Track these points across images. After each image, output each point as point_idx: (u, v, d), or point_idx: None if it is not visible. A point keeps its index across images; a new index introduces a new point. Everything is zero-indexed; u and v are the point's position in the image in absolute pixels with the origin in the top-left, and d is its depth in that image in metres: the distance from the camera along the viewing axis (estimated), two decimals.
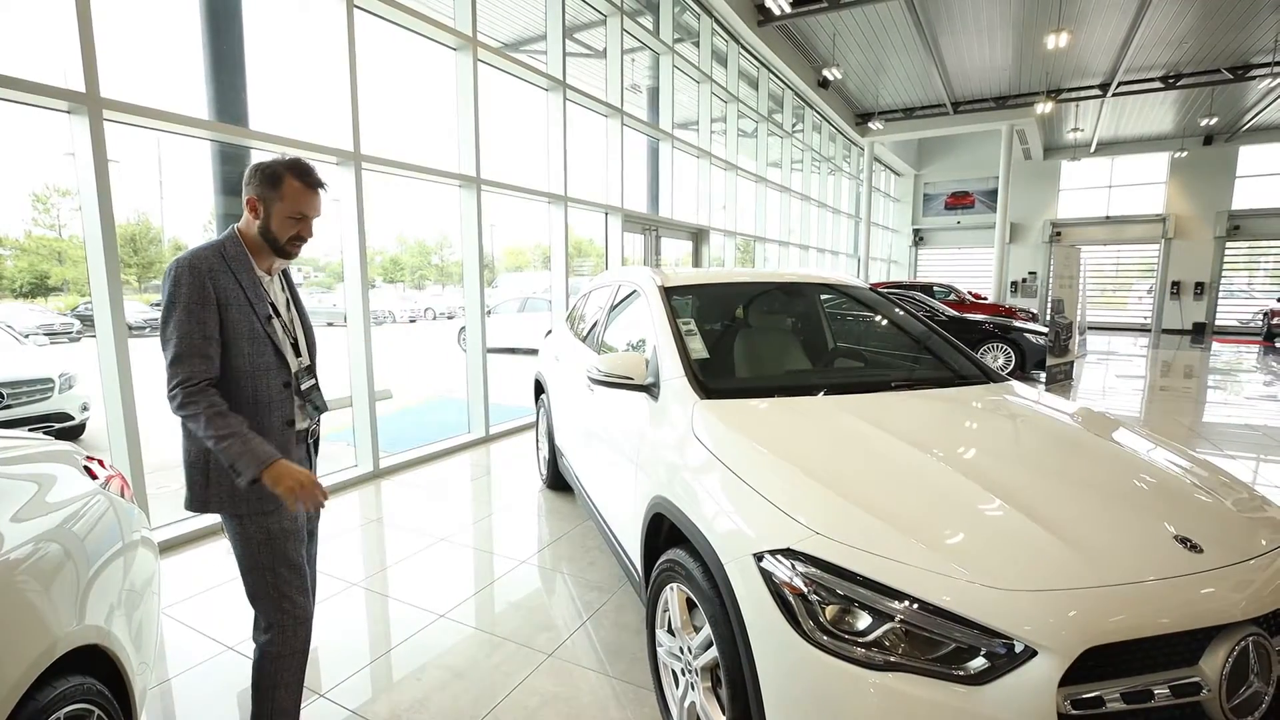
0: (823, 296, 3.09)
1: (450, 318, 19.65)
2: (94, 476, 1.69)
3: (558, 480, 3.97)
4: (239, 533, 1.58)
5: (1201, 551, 1.27)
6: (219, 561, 3.10)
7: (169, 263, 1.50)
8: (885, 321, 2.83)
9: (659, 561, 1.84)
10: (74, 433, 5.87)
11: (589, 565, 3.05)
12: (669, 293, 2.55)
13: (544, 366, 4.19)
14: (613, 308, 3.17)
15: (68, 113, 2.90)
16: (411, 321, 24.11)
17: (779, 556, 1.32)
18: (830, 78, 11.43)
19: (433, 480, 4.38)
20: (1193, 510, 1.45)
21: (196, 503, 1.57)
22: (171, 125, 3.25)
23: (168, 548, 3.23)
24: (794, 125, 12.94)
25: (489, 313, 14.41)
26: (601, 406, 2.69)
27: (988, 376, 2.40)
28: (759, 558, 1.36)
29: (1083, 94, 13.58)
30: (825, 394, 2.06)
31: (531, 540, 3.39)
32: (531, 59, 6.15)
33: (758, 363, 2.49)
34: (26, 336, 7.59)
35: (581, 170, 6.90)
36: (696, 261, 9.70)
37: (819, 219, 14.79)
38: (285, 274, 1.74)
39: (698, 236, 9.54)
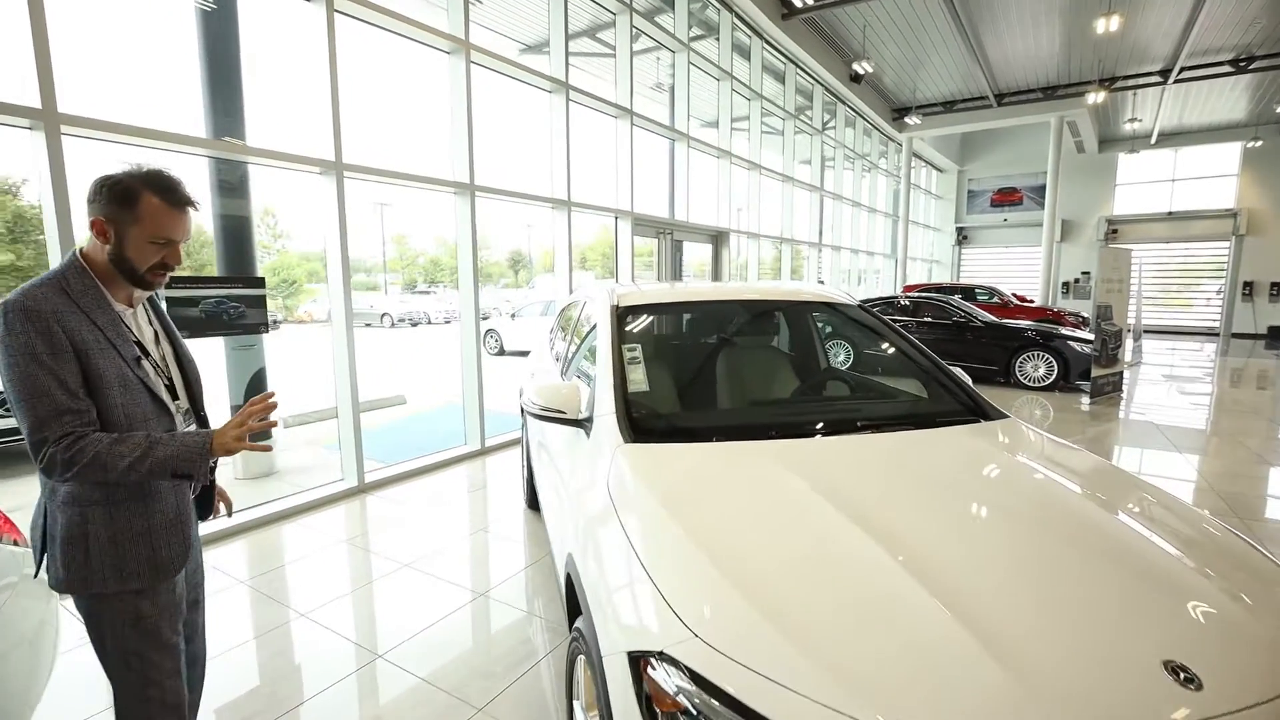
0: (806, 316, 2.81)
1: (485, 318, 19.77)
2: None
3: (536, 501, 3.79)
4: (102, 613, 1.33)
5: (1200, 688, 0.96)
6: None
7: None
8: (871, 345, 2.54)
9: (572, 627, 1.62)
10: None
11: (549, 601, 2.85)
12: (620, 313, 2.32)
13: (524, 381, 4.02)
14: (576, 327, 2.96)
15: (28, 129, 2.86)
16: (446, 322, 24.50)
17: (654, 660, 1.09)
18: (862, 71, 10.94)
19: (417, 497, 4.26)
20: (1198, 625, 1.10)
21: (76, 583, 1.29)
22: (132, 138, 3.20)
23: None
24: (825, 122, 12.48)
25: (514, 315, 14.54)
26: (551, 435, 2.48)
27: (981, 413, 2.09)
28: (633, 659, 1.12)
29: (1140, 82, 12.66)
30: (775, 436, 1.80)
31: (499, 569, 3.21)
32: (551, 62, 5.99)
33: (708, 397, 2.24)
34: None
35: (593, 174, 6.73)
36: (716, 266, 9.41)
37: (853, 218, 14.25)
38: (151, 301, 1.48)
39: (717, 239, 9.25)
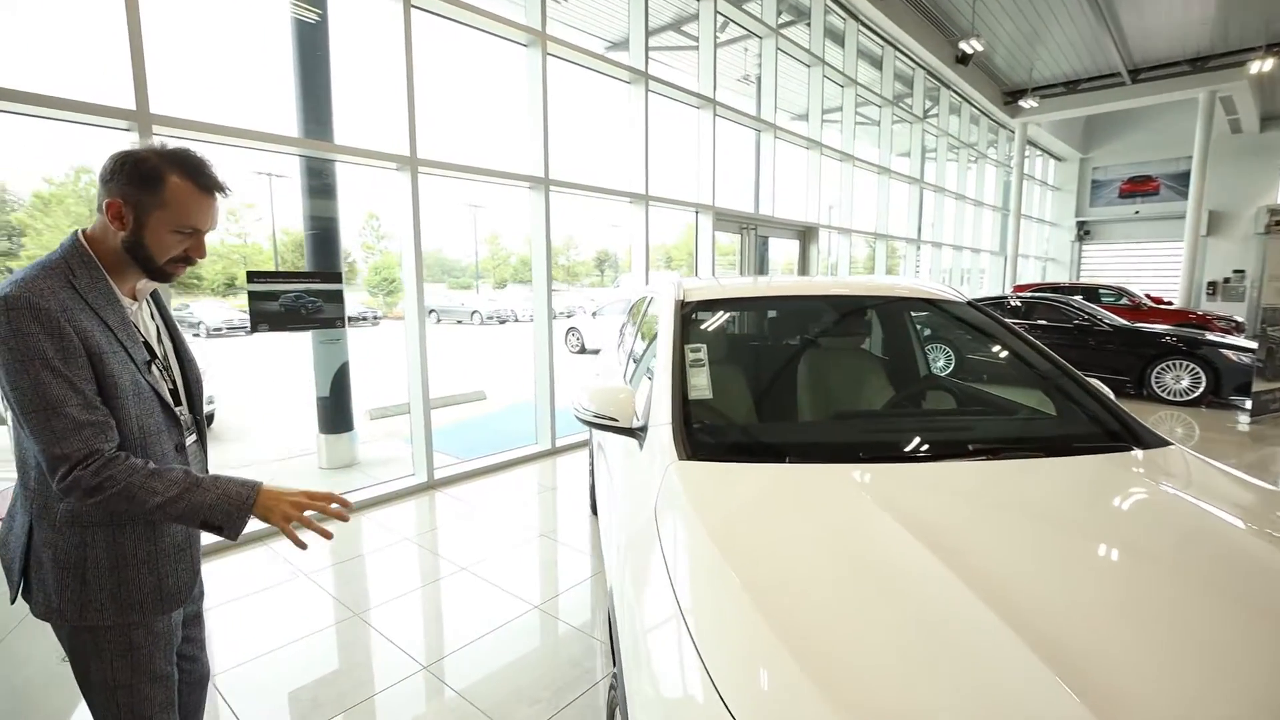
0: (904, 315, 2.43)
1: (569, 315, 20.15)
2: None
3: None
4: (88, 644, 1.18)
5: None
6: (249, 571, 3.08)
7: None
8: (982, 351, 2.14)
9: (612, 669, 1.40)
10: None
11: (605, 621, 2.64)
12: (686, 309, 2.07)
13: (582, 382, 3.85)
14: (642, 325, 2.73)
15: (127, 129, 2.99)
16: (532, 320, 25.16)
17: None
18: (970, 51, 10.02)
19: (483, 496, 4.20)
20: None
21: (70, 612, 1.14)
22: (218, 136, 3.29)
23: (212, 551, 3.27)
24: (927, 109, 11.58)
25: (595, 314, 14.58)
26: (610, 442, 2.27)
27: (1134, 438, 1.66)
28: None
29: None
30: (862, 459, 1.49)
31: (558, 580, 3.05)
32: (630, 51, 5.83)
33: (783, 407, 1.93)
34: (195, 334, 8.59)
35: (673, 168, 6.50)
36: (803, 263, 8.91)
37: (956, 213, 13.16)
38: (154, 294, 1.32)
39: (805, 235, 8.75)
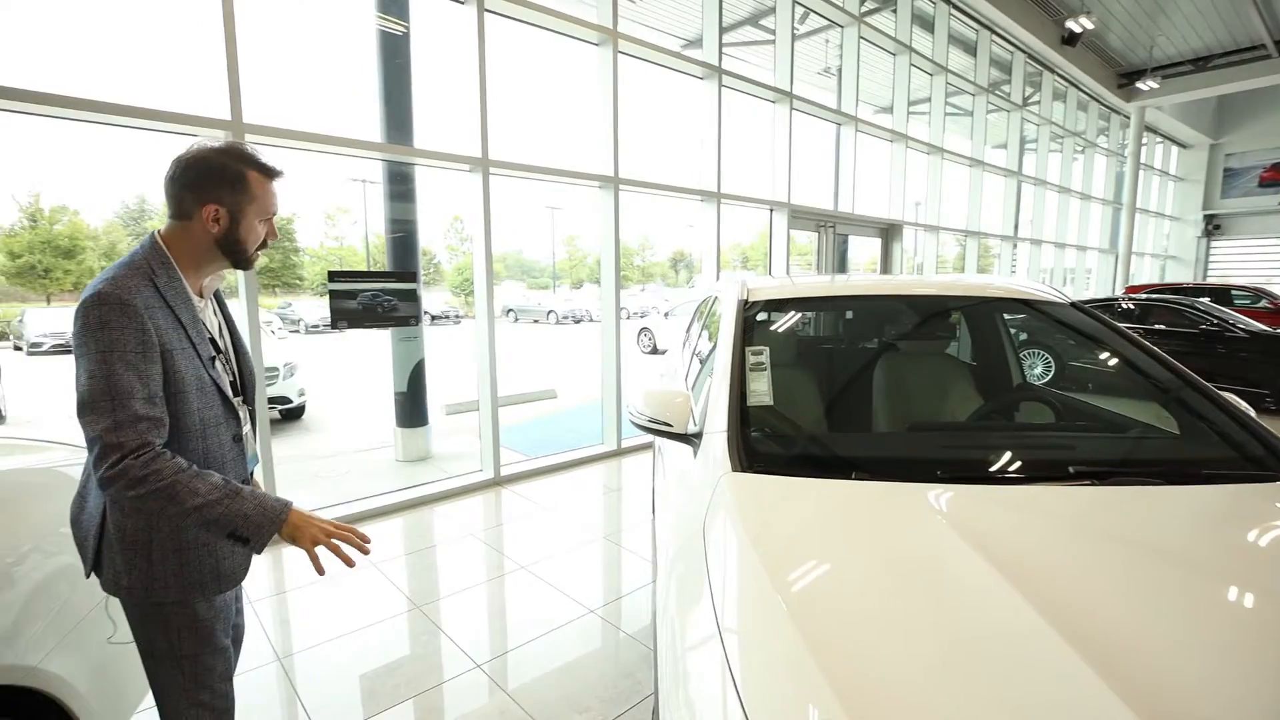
0: (994, 317, 2.19)
1: (642, 316, 20.24)
2: None
3: None
4: (157, 618, 1.25)
5: None
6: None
7: (84, 298, 1.11)
8: (1087, 358, 1.89)
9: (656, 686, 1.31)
10: (294, 414, 6.93)
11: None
12: (749, 309, 1.95)
13: (655, 384, 3.78)
14: (706, 325, 2.63)
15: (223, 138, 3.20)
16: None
17: None
18: (1079, 30, 9.19)
19: (549, 494, 4.22)
20: None
21: (137, 589, 1.21)
22: (306, 144, 3.46)
23: None
24: (1027, 96, 10.72)
25: (667, 314, 14.52)
26: (668, 447, 2.18)
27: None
28: None
29: None
30: (942, 478, 1.32)
31: (616, 584, 3.00)
32: (704, 46, 5.74)
33: (853, 416, 1.77)
34: (273, 330, 9.27)
35: (746, 166, 6.33)
36: (885, 262, 8.47)
37: (1059, 208, 12.13)
38: (218, 296, 1.41)
39: (887, 233, 8.31)
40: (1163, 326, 7.56)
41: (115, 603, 1.42)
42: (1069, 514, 1.19)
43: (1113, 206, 14.07)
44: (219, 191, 1.21)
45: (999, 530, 1.12)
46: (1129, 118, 13.23)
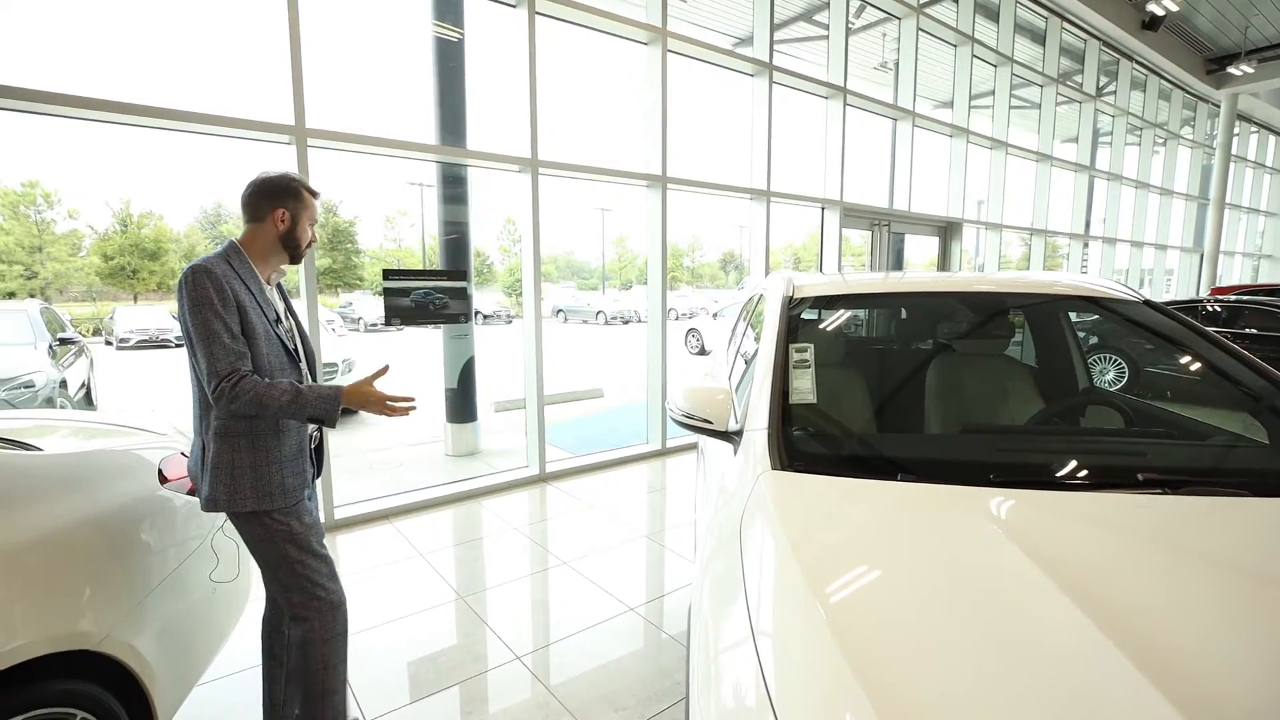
0: (1059, 317, 2.07)
1: (690, 316, 20.19)
2: (164, 480, 1.78)
3: None
4: (262, 531, 1.63)
5: None
6: (386, 544, 3.33)
7: (183, 272, 1.54)
8: (1168, 360, 1.75)
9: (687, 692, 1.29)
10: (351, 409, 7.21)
11: None
12: (794, 306, 1.90)
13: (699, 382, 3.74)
14: (752, 323, 2.58)
15: (289, 143, 3.35)
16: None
17: None
18: (1161, 13, 8.61)
19: (592, 492, 4.24)
20: None
21: (222, 501, 1.58)
22: (362, 146, 3.58)
23: (344, 525, 3.57)
24: (1102, 85, 10.11)
25: (716, 315, 14.40)
26: (711, 446, 2.15)
27: None
28: None
29: None
30: (996, 482, 1.25)
31: (656, 583, 2.98)
32: (754, 42, 5.67)
33: (901, 417, 1.70)
34: (333, 328, 9.66)
35: (797, 165, 6.21)
36: (944, 262, 8.15)
37: (1135, 204, 11.40)
38: (280, 286, 1.79)
39: (946, 231, 8.00)
40: (1253, 330, 7.00)
41: (218, 539, 1.89)
42: (1138, 524, 1.11)
43: (1197, 202, 13.12)
44: (285, 200, 1.67)
45: (1058, 539, 1.04)
46: (1218, 106, 12.32)
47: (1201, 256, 12.89)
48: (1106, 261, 10.90)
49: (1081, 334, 2.43)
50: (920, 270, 8.44)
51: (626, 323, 24.53)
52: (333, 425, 1.62)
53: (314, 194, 1.74)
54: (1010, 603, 0.89)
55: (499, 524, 3.68)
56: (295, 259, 1.74)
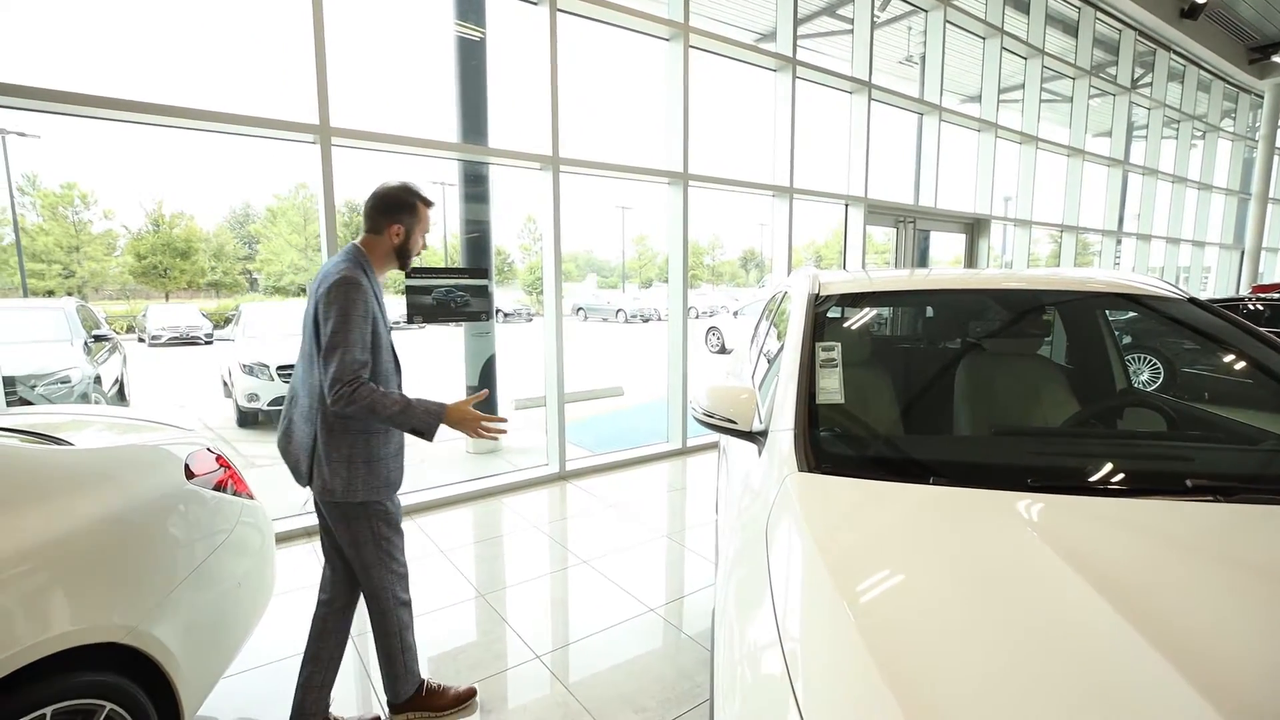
0: (1095, 315, 1.99)
1: (711, 315, 20.13)
2: (191, 476, 1.80)
3: None
4: (364, 513, 1.78)
5: None
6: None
7: (335, 278, 1.65)
8: (1213, 361, 1.68)
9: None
10: None
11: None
12: (819, 303, 1.86)
13: (720, 380, 3.71)
14: (775, 321, 2.54)
15: (313, 142, 3.38)
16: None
17: None
18: (1203, 1, 8.31)
19: (612, 490, 4.22)
20: None
21: (339, 490, 1.73)
22: (385, 145, 3.61)
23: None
24: (1137, 77, 9.81)
25: (736, 313, 14.30)
26: (733, 446, 2.12)
27: None
28: None
29: None
30: (1033, 486, 1.20)
31: (677, 583, 2.96)
32: (777, 37, 5.60)
33: (931, 418, 1.64)
34: None
35: (820, 161, 6.12)
36: (971, 259, 7.99)
37: (1172, 199, 11.05)
38: None
39: (973, 228, 7.83)
40: None
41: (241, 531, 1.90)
42: (1187, 533, 1.05)
43: (1238, 197, 12.68)
44: (401, 215, 1.80)
45: (1099, 546, 0.99)
46: (1262, 96, 11.89)
47: (1242, 253, 12.46)
48: (1142, 259, 10.59)
49: (1117, 332, 2.35)
50: (948, 267, 8.28)
51: (646, 321, 24.52)
52: (431, 440, 1.73)
53: (429, 204, 1.85)
54: (1050, 610, 0.85)
55: (519, 522, 3.68)
56: (404, 267, 1.88)
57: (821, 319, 1.81)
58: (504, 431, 1.82)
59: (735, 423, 1.63)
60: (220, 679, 1.78)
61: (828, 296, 1.89)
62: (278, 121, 3.21)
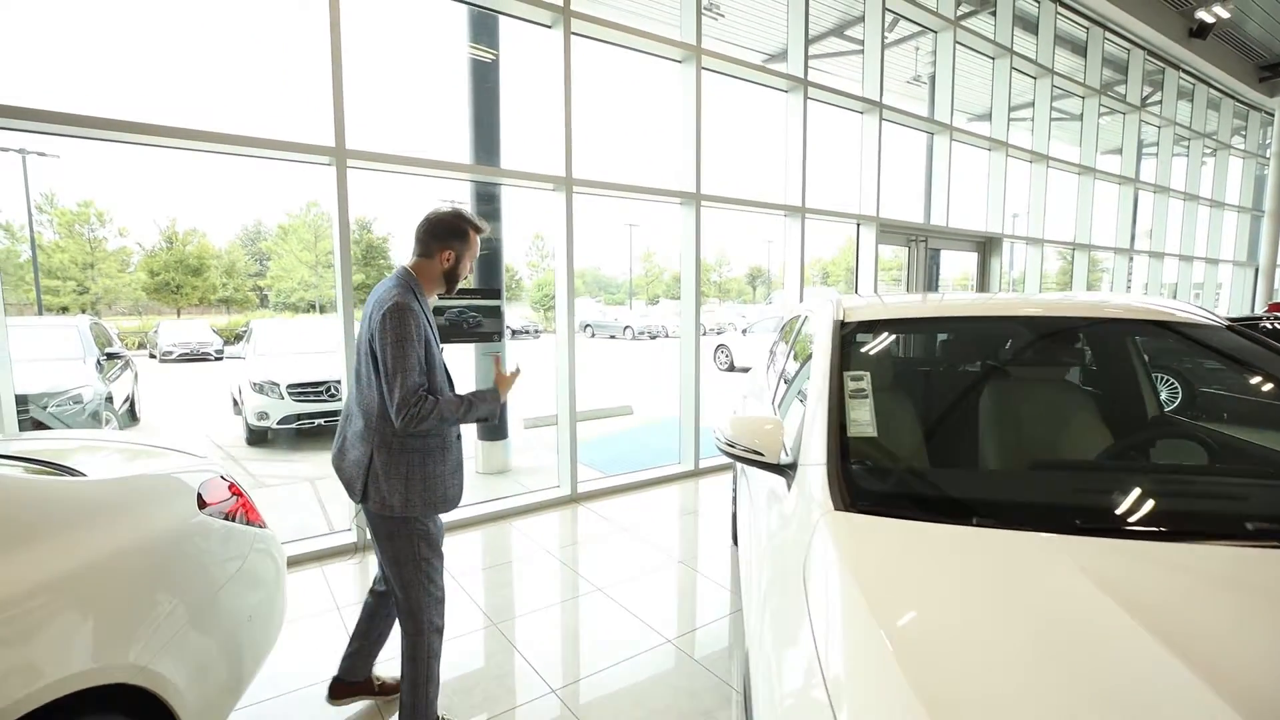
0: (1126, 341, 1.94)
1: (719, 332, 20.13)
2: (203, 505, 1.76)
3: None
4: (408, 531, 1.84)
5: None
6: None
7: (389, 305, 1.71)
8: (1245, 384, 1.62)
9: None
10: None
11: (741, 672, 2.41)
12: (846, 331, 1.81)
13: (736, 404, 3.65)
14: (795, 346, 2.50)
15: (329, 164, 3.39)
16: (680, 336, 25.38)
17: None
18: (1211, 20, 8.33)
19: (625, 514, 4.16)
20: None
21: (396, 506, 1.80)
22: (400, 167, 3.61)
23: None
24: (1146, 96, 9.81)
25: (745, 331, 14.27)
26: (755, 475, 2.07)
27: None
28: None
29: None
30: (1082, 528, 1.15)
31: (694, 613, 2.88)
32: (789, 58, 5.62)
33: (967, 452, 1.59)
34: None
35: (830, 180, 6.12)
36: (983, 278, 7.93)
37: (1183, 217, 10.99)
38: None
39: (985, 246, 7.79)
40: None
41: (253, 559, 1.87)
42: (1261, 581, 0.99)
43: (1251, 214, 12.60)
44: (452, 241, 1.86)
45: (1166, 599, 0.94)
46: (1273, 114, 11.86)
47: (1256, 270, 12.34)
48: (1154, 276, 10.51)
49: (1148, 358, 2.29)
50: (968, 291, 8.23)
51: (654, 338, 24.50)
52: (495, 419, 1.94)
53: (480, 230, 1.92)
54: (1119, 672, 0.80)
55: (531, 546, 3.62)
56: (450, 291, 1.93)
57: (848, 346, 1.77)
58: (519, 371, 2.01)
59: (762, 455, 1.58)
60: (230, 713, 1.73)
61: (853, 323, 1.85)
62: (294, 144, 3.22)
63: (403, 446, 1.78)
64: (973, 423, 1.63)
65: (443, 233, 1.84)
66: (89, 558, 1.36)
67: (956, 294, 2.62)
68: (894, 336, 1.93)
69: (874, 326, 1.88)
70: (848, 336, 1.80)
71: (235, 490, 1.94)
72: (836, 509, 1.25)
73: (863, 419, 1.51)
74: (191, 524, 1.69)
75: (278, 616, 2.05)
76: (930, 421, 1.62)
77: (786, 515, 1.43)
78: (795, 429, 1.66)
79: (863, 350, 1.80)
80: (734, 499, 3.67)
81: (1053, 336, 1.87)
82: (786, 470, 1.55)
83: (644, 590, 3.06)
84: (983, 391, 1.70)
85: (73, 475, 1.55)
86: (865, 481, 1.37)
